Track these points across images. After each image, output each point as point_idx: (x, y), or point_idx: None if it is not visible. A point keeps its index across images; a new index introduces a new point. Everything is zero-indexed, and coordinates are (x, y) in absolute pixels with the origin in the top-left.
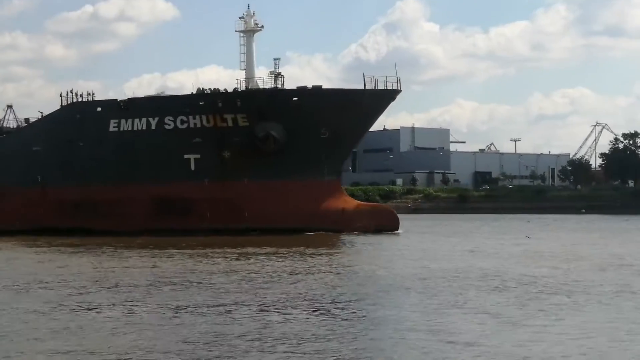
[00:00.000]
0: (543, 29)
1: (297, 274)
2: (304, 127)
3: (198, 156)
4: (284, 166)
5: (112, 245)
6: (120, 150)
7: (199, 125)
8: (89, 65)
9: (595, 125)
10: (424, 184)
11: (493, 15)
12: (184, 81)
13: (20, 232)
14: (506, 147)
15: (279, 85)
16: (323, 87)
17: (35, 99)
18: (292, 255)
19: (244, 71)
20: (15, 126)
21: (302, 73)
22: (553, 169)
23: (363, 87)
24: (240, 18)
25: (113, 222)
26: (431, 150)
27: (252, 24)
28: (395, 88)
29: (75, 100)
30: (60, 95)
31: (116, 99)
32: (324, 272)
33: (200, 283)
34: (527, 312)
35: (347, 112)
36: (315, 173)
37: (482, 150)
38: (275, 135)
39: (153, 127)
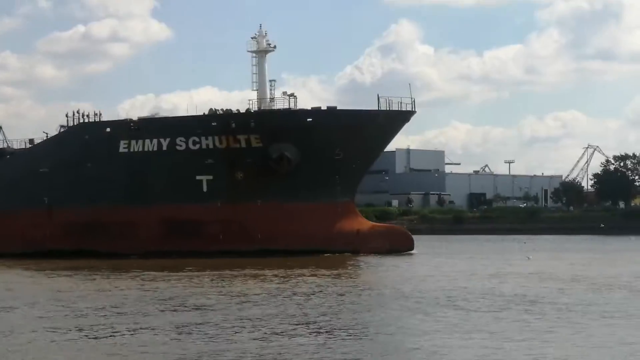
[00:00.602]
0: (536, 52)
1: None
2: (318, 148)
3: (210, 177)
4: (297, 187)
5: (122, 268)
6: (130, 171)
7: (211, 146)
8: (81, 86)
9: (587, 148)
10: (420, 205)
11: (487, 38)
12: (178, 102)
13: (25, 255)
14: (500, 169)
15: (292, 106)
16: (338, 108)
17: (25, 120)
18: (317, 277)
19: (255, 92)
20: (6, 146)
21: (298, 95)
22: (546, 191)
23: (377, 108)
24: (252, 38)
25: (121, 245)
26: (426, 172)
27: (264, 44)
28: (410, 109)
29: (81, 120)
30: (67, 116)
31: (126, 119)
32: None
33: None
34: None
35: (361, 133)
36: (329, 194)
37: (476, 172)
38: (289, 156)
39: (164, 148)
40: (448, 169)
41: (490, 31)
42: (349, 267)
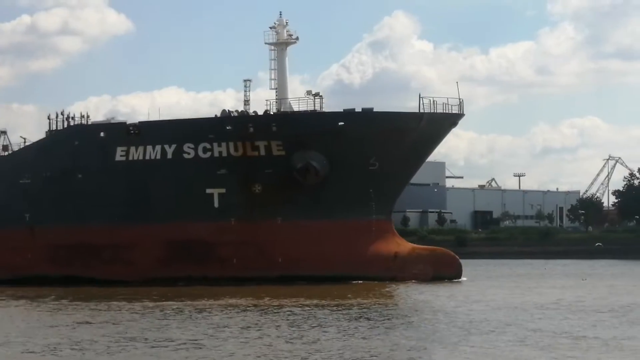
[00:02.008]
0: (549, 50)
1: None
2: (350, 157)
3: (223, 191)
4: (325, 203)
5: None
6: (128, 183)
7: (225, 154)
8: (25, 86)
9: (607, 159)
10: (417, 224)
11: (493, 34)
12: (137, 105)
13: (3, 282)
14: (509, 184)
15: (318, 108)
16: (374, 110)
17: None
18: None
19: (274, 91)
20: None
21: (274, 96)
22: (561, 208)
23: (418, 110)
24: (271, 28)
25: (119, 270)
26: (425, 187)
27: (285, 35)
28: (458, 112)
29: (67, 123)
30: (49, 118)
31: (125, 122)
32: None
33: None
34: None
35: (400, 140)
36: (362, 211)
37: (481, 187)
38: (316, 167)
39: (169, 156)
40: (449, 183)
41: (497, 26)
42: (389, 301)
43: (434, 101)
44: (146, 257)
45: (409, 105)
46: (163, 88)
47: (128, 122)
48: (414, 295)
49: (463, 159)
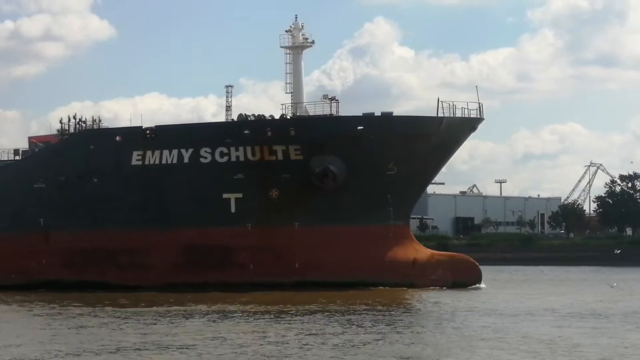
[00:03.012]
0: (529, 56)
1: None
2: (369, 162)
3: (240, 195)
4: (342, 208)
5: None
6: (144, 188)
7: (242, 158)
8: (7, 91)
9: (589, 166)
10: None
11: (473, 40)
12: (119, 111)
13: (18, 287)
14: (490, 190)
15: (334, 112)
16: (394, 114)
17: None
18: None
19: (290, 94)
20: None
21: (257, 102)
22: (543, 215)
23: (436, 115)
24: (286, 31)
25: (134, 275)
26: None
27: (301, 38)
28: (477, 116)
29: (79, 126)
30: (61, 122)
31: (141, 126)
32: None
33: None
34: None
35: (419, 144)
36: (380, 216)
37: (463, 193)
38: (334, 171)
39: (186, 160)
40: (431, 189)
41: (477, 32)
42: (410, 308)
43: (453, 105)
44: (162, 263)
45: (391, 111)
46: (145, 94)
47: (144, 126)
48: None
49: (444, 165)
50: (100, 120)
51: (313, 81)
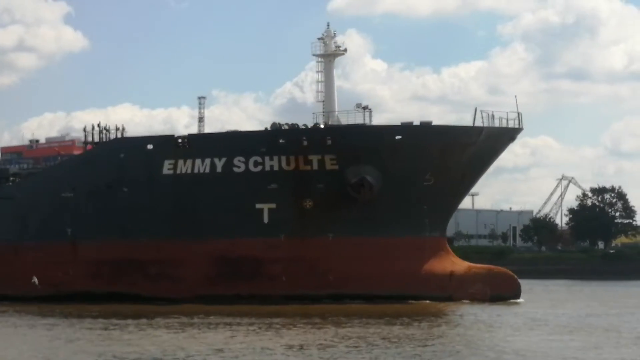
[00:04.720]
0: (500, 70)
1: None
2: (405, 172)
3: (273, 206)
4: (377, 219)
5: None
6: (175, 197)
7: (276, 167)
8: None
9: (561, 179)
10: None
11: (445, 54)
12: (92, 122)
13: (43, 298)
14: (462, 203)
15: (367, 122)
16: (433, 124)
17: None
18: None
19: (321, 103)
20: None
21: (229, 114)
22: (515, 228)
23: (472, 124)
24: (319, 39)
25: (165, 287)
26: None
27: (333, 46)
28: (517, 126)
29: (103, 134)
30: (85, 130)
31: (173, 135)
32: None
33: None
34: None
35: (458, 155)
36: (416, 228)
37: None
38: (370, 182)
39: (219, 169)
40: None
41: (449, 46)
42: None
43: (491, 115)
44: (194, 274)
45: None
46: (117, 105)
47: (176, 135)
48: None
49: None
50: (124, 129)
51: (285, 93)
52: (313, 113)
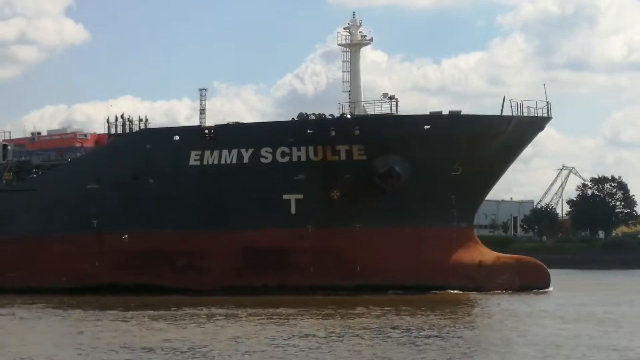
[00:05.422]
0: (500, 61)
1: None
2: (434, 162)
3: (300, 197)
4: (405, 210)
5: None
6: (202, 188)
7: (303, 158)
8: None
9: (561, 169)
10: None
11: (445, 44)
12: (93, 114)
13: (69, 290)
14: None
15: (393, 111)
16: (462, 113)
17: None
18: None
19: (347, 93)
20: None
21: (230, 106)
22: (515, 218)
23: (500, 113)
24: (344, 29)
25: (192, 279)
26: None
27: (359, 36)
28: (546, 115)
29: (127, 125)
30: (107, 122)
31: (200, 125)
32: None
33: None
34: None
35: (487, 144)
36: (444, 218)
37: None
38: (399, 172)
39: (246, 160)
40: None
41: (449, 36)
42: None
43: (520, 104)
44: (221, 265)
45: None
46: (119, 97)
47: (203, 125)
48: None
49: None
50: (147, 120)
51: (285, 85)
52: (339, 103)
